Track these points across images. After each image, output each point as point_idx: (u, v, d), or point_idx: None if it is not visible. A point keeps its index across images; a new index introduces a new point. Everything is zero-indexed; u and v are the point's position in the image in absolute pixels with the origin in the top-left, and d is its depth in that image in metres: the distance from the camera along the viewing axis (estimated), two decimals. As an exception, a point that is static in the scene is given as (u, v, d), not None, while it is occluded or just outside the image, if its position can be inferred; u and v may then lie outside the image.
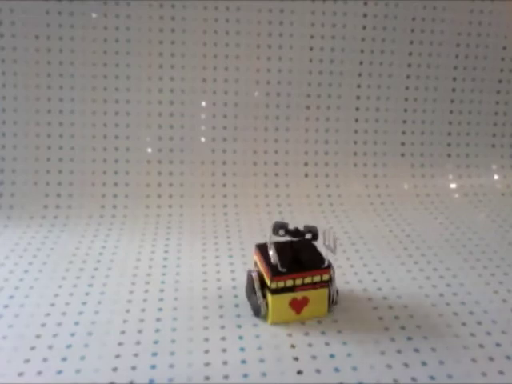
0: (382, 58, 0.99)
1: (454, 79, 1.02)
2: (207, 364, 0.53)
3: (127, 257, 0.76)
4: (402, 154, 1.03)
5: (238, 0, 0.93)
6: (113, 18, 0.91)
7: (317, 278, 0.59)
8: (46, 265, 0.73)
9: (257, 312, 0.61)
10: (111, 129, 0.94)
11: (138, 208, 0.92)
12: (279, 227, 0.60)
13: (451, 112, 1.03)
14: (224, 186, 0.97)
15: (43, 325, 0.60)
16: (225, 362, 0.54)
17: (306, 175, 1.00)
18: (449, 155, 1.04)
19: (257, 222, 0.89)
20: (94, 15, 0.91)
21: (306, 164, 1.00)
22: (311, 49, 0.97)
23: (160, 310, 0.63)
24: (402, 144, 1.03)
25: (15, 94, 0.92)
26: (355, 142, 1.01)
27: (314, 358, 0.55)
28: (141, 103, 0.95)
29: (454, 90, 1.02)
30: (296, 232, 0.60)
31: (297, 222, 0.89)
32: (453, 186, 1.03)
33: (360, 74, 0.99)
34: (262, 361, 0.54)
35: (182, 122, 0.96)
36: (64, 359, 0.54)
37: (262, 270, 0.60)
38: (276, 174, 0.99)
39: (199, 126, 0.97)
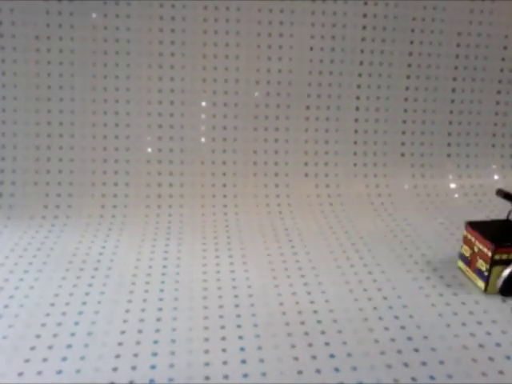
0: (382, 58, 0.99)
1: (454, 79, 1.02)
2: (207, 364, 0.53)
3: (127, 257, 0.76)
4: (402, 154, 1.03)
5: (238, 0, 0.93)
6: (113, 18, 0.91)
7: None
8: (46, 265, 0.73)
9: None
10: (111, 129, 0.94)
11: (137, 208, 0.92)
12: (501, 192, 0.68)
13: (451, 112, 1.03)
14: (224, 186, 0.96)
15: (43, 325, 0.59)
16: (225, 362, 0.54)
17: (306, 175, 0.99)
18: (449, 155, 1.04)
19: (257, 221, 0.89)
20: (93, 15, 0.91)
21: (306, 164, 1.00)
22: (311, 49, 0.97)
23: (160, 309, 0.63)
24: (402, 144, 1.03)
25: (15, 94, 0.92)
26: (355, 142, 1.01)
27: (314, 358, 0.55)
28: (141, 103, 0.95)
29: (454, 90, 1.02)
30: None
31: (296, 221, 0.89)
32: (453, 185, 1.02)
33: (360, 74, 0.99)
34: (261, 361, 0.54)
35: (181, 121, 0.96)
36: (64, 359, 0.54)
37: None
38: (276, 174, 0.99)
39: (199, 126, 0.97)
